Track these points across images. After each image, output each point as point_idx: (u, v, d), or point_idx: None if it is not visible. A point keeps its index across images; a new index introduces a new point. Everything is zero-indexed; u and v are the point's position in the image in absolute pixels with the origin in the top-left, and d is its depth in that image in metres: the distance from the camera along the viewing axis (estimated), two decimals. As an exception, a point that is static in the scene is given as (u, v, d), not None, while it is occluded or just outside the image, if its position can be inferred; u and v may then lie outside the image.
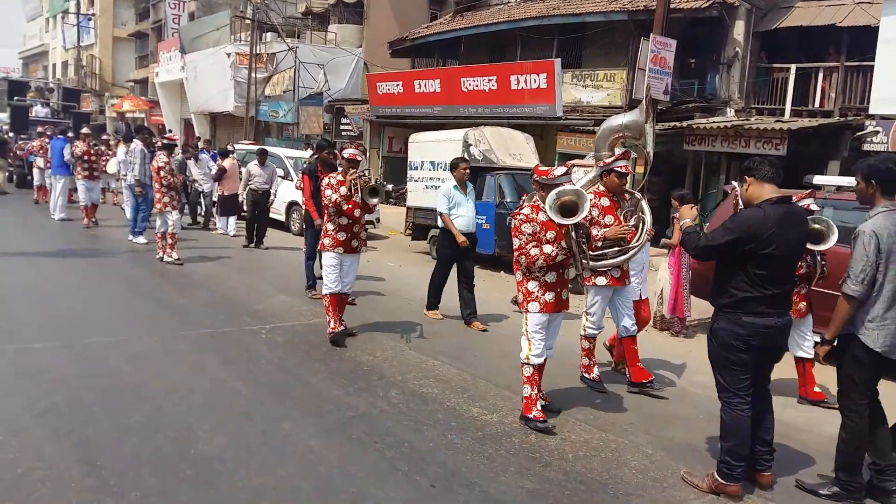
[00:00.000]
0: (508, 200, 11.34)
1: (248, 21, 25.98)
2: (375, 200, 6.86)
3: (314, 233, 8.16)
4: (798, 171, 8.37)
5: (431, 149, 12.73)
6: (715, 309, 4.03)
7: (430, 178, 12.55)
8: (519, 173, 11.94)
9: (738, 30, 16.20)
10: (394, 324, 7.35)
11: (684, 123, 15.20)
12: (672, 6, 15.42)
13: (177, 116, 33.62)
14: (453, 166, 7.87)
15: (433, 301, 7.92)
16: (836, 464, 4.04)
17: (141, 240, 11.42)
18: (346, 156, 6.70)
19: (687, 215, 4.26)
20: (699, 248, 3.94)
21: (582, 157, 15.11)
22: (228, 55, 26.74)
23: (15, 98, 17.75)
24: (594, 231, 5.34)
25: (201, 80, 28.78)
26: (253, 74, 24.85)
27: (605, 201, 5.62)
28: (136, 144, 11.35)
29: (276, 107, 25.31)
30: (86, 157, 13.19)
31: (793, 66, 15.87)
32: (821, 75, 15.65)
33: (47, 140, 16.10)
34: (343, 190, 6.46)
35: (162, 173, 9.95)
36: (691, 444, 4.67)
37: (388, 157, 22.43)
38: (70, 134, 15.95)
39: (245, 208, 12.79)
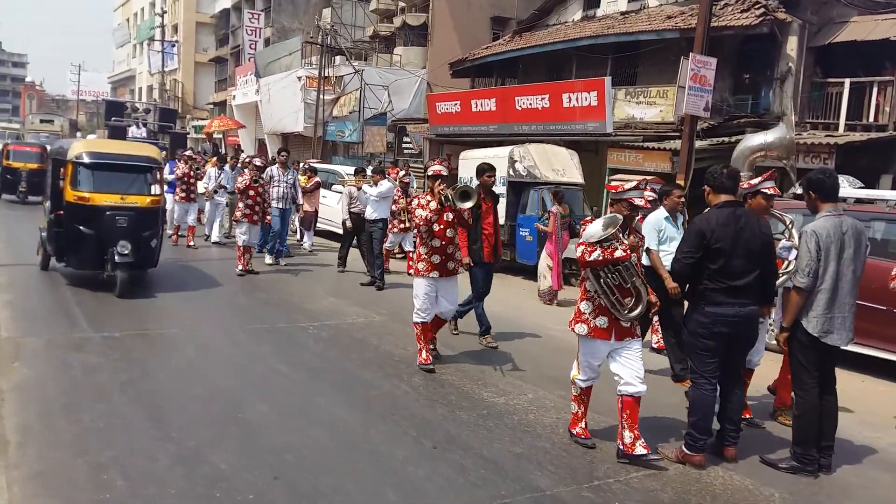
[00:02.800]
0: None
1: (318, 45, 27.41)
2: (469, 204, 6.09)
3: (481, 270, 7.19)
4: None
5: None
6: (688, 302, 4.60)
7: (479, 193, 13.24)
8: (562, 188, 12.51)
9: (791, 45, 16.32)
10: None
11: (733, 139, 15.42)
12: (723, 24, 15.79)
13: (252, 137, 35.53)
14: (665, 193, 6.52)
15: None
16: (793, 440, 4.55)
17: (268, 258, 11.53)
18: (430, 173, 6.33)
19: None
20: (681, 267, 4.53)
21: (631, 171, 15.58)
22: (299, 78, 28.25)
23: (112, 119, 18.11)
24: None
25: (274, 101, 30.43)
26: (321, 96, 26.20)
27: None
28: (269, 168, 11.51)
29: (342, 127, 26.57)
30: (185, 179, 13.26)
31: (847, 81, 15.88)
32: (875, 89, 15.62)
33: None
34: (434, 205, 6.07)
35: (251, 191, 10.44)
36: (670, 425, 5.20)
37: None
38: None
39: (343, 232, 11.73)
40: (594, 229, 4.42)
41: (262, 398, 5.26)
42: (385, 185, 10.60)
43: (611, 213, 4.58)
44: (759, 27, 15.61)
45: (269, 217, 11.20)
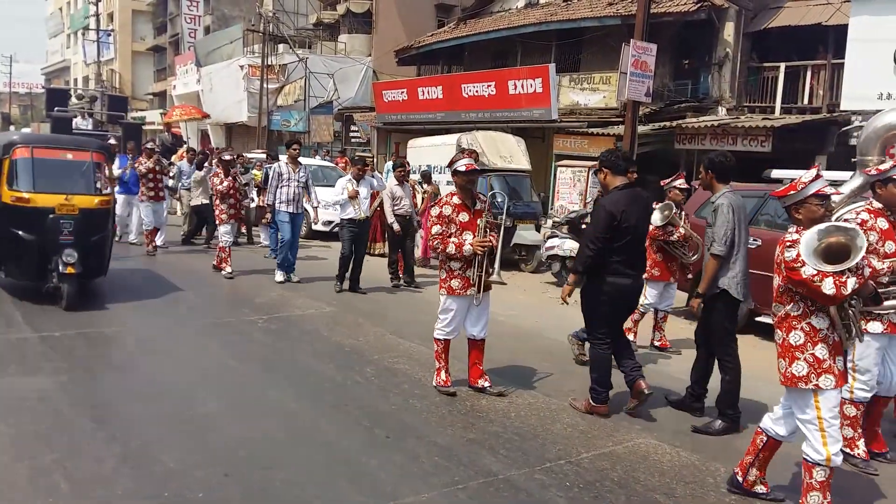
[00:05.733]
0: (499, 200, 11.99)
1: (260, 34, 26.90)
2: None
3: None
4: (786, 167, 8.88)
5: (427, 153, 13.44)
6: (587, 275, 5.04)
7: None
8: (510, 174, 12.62)
9: (728, 31, 16.73)
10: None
11: (674, 123, 15.76)
12: (662, 10, 16.07)
13: (194, 127, 34.70)
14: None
15: None
16: (724, 404, 4.95)
17: (278, 276, 9.62)
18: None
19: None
20: (597, 248, 4.87)
21: (577, 157, 15.80)
22: (242, 67, 27.70)
23: (56, 109, 16.20)
24: (873, 261, 4.09)
25: (216, 91, 29.78)
26: (265, 85, 25.74)
27: (883, 222, 4.39)
28: (277, 164, 10.04)
29: (287, 116, 26.18)
30: (151, 175, 11.68)
31: (782, 65, 16.38)
32: (809, 73, 16.16)
33: None
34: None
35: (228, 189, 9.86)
36: (621, 405, 5.30)
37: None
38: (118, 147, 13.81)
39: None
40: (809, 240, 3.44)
41: (211, 394, 5.18)
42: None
43: (798, 218, 3.67)
44: (697, 13, 15.96)
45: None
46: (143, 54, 45.88)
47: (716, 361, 5.10)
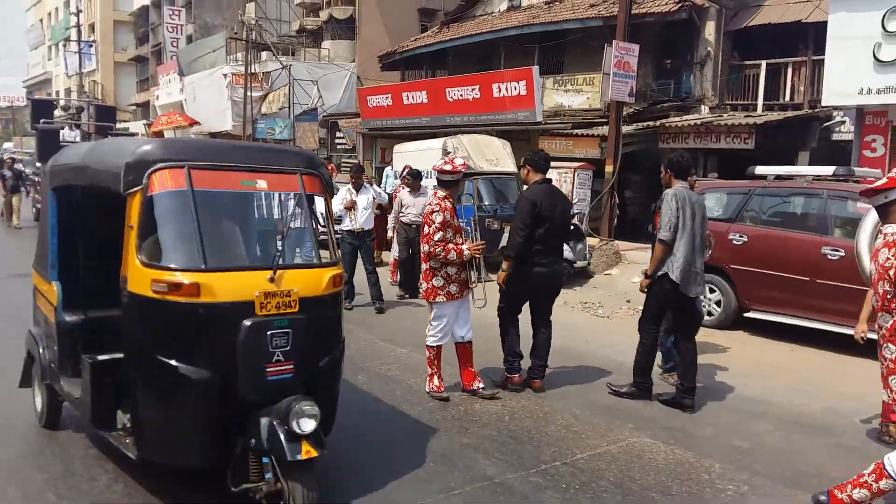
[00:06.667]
0: (486, 203, 12.03)
1: (242, 41, 26.83)
2: None
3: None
4: (769, 163, 8.95)
5: (413, 157, 13.43)
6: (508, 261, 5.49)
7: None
8: (496, 177, 12.65)
9: (709, 30, 16.87)
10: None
11: (658, 123, 15.86)
12: (643, 11, 16.18)
13: (179, 136, 34.57)
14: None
15: None
16: (634, 371, 5.51)
17: None
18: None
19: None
20: (523, 237, 5.33)
21: (562, 158, 15.86)
22: (225, 76, 27.62)
23: (41, 120, 14.99)
24: None
25: (200, 100, 29.66)
26: (249, 93, 25.68)
27: None
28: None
29: (272, 124, 26.11)
30: None
31: (763, 63, 16.53)
32: (790, 70, 16.31)
33: None
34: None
35: None
36: (612, 405, 5.35)
37: (381, 168, 23.20)
38: None
39: (397, 247, 9.95)
40: None
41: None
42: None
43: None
44: (679, 13, 16.08)
45: None
46: (125, 65, 45.64)
47: (681, 344, 5.46)
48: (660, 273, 5.25)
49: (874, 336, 4.68)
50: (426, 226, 5.25)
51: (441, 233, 5.20)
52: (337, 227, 8.80)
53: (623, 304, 9.29)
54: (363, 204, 8.78)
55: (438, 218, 5.21)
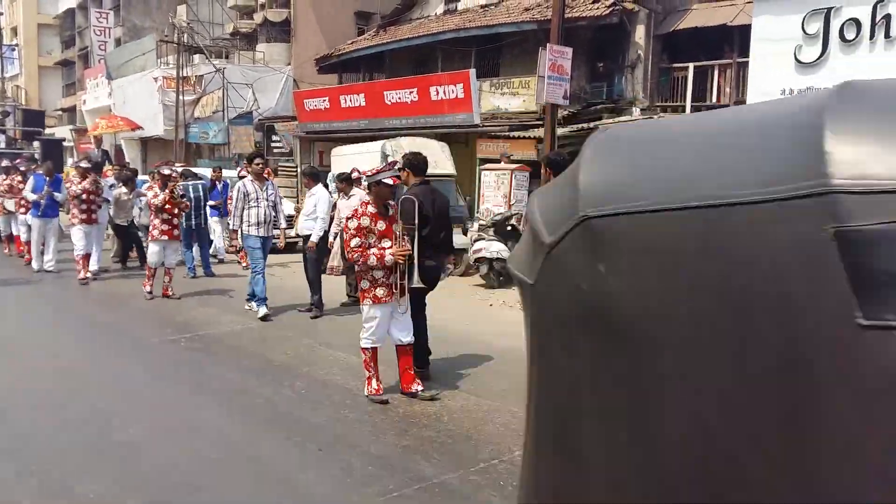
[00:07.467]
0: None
1: (174, 44, 26.17)
2: None
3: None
4: None
5: (352, 161, 13.34)
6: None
7: (353, 189, 13.17)
8: (435, 179, 12.66)
9: (640, 34, 17.32)
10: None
11: (592, 125, 16.17)
12: (575, 15, 16.49)
13: (110, 141, 33.47)
14: None
15: None
16: None
17: (262, 311, 8.30)
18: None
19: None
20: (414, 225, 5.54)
21: (499, 161, 16.03)
22: (156, 79, 26.89)
23: None
24: None
25: (130, 105, 28.79)
26: (181, 97, 25.06)
27: None
28: (241, 183, 8.62)
29: (206, 128, 25.56)
30: (85, 197, 10.51)
31: (691, 65, 17.07)
32: (717, 72, 16.90)
33: (19, 177, 12.78)
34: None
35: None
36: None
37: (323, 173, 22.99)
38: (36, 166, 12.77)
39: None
40: None
41: (133, 418, 4.99)
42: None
43: None
44: (610, 17, 16.46)
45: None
46: (50, 69, 43.94)
47: None
48: None
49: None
50: (344, 232, 5.31)
51: (357, 239, 5.19)
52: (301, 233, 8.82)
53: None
54: (321, 211, 8.80)
55: (353, 224, 5.23)
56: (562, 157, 5.85)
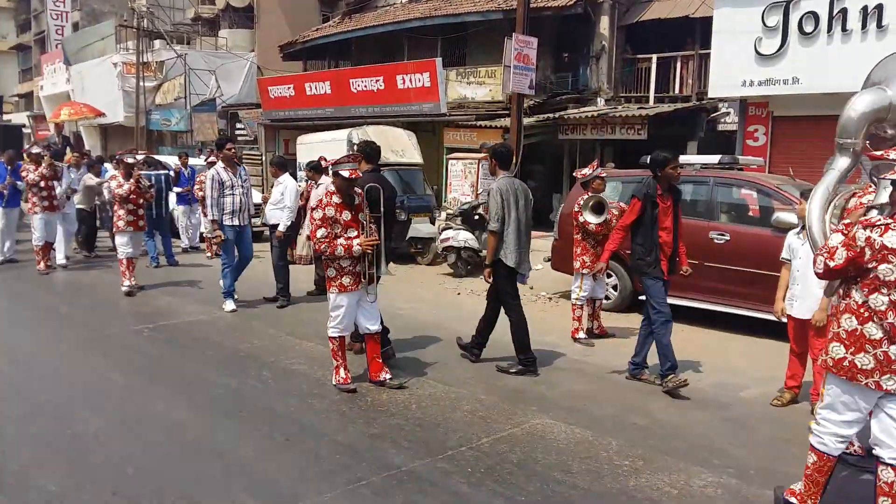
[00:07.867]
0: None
1: (133, 29, 25.58)
2: (600, 219, 6.90)
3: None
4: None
5: (318, 149, 13.21)
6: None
7: (318, 178, 13.06)
8: (402, 169, 12.64)
9: (604, 25, 17.43)
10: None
11: (557, 115, 16.26)
12: (541, 5, 16.52)
13: (68, 128, 32.64)
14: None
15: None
16: (516, 350, 5.90)
17: (229, 305, 8.14)
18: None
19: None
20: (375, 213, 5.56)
21: (467, 150, 16.02)
22: (115, 65, 26.30)
23: None
24: None
25: (88, 91, 28.12)
26: (142, 83, 24.54)
27: None
28: (213, 170, 8.09)
29: (167, 115, 25.11)
30: (43, 184, 10.21)
31: (654, 57, 17.24)
32: (679, 64, 17.09)
33: None
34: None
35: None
36: (518, 389, 5.47)
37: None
38: None
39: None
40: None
41: (93, 410, 4.89)
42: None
43: None
44: (574, 7, 16.53)
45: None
46: (5, 53, 42.68)
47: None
48: (496, 259, 5.78)
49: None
50: (310, 223, 5.29)
51: (323, 229, 5.15)
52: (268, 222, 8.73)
53: (527, 291, 9.48)
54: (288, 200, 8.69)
55: (318, 214, 5.19)
56: (507, 148, 6.05)
